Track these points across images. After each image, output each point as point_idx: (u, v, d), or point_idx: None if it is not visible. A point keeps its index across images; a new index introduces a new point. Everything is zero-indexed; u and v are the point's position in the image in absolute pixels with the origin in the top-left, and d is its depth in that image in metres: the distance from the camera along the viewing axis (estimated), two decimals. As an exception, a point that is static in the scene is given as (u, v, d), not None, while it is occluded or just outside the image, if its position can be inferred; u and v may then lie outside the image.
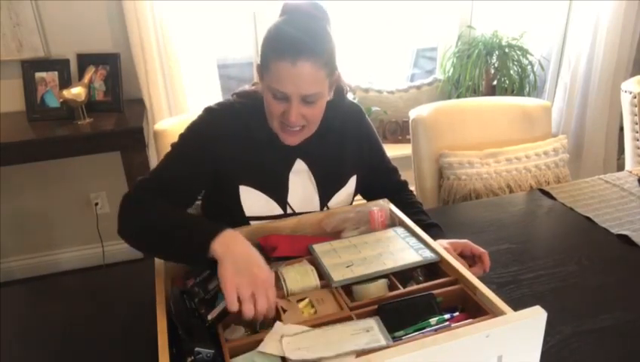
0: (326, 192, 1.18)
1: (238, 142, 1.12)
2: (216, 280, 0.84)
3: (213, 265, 0.84)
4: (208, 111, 1.14)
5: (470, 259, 1.07)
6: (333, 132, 1.18)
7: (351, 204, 1.24)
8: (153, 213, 0.97)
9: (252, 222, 1.14)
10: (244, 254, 0.85)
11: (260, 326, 0.84)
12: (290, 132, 1.08)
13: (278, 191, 1.15)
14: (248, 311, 0.79)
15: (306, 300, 0.88)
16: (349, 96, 1.28)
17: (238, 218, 1.13)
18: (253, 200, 1.13)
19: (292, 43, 0.98)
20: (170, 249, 0.93)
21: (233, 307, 0.78)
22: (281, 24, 1.02)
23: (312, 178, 1.17)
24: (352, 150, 1.21)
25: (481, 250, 1.06)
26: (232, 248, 0.84)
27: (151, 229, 0.95)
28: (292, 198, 1.16)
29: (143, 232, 0.96)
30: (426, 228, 1.08)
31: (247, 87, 1.18)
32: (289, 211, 1.16)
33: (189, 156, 1.10)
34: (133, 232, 0.98)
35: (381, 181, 1.29)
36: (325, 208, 1.19)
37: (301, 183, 1.16)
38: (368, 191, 1.29)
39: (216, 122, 1.12)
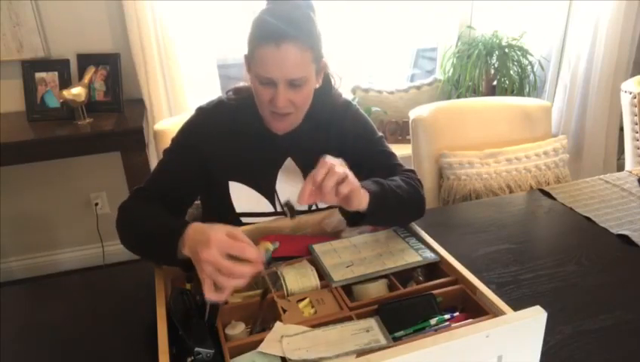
0: None
1: (227, 139, 1.12)
2: None
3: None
4: (198, 110, 1.16)
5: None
6: (322, 128, 1.17)
7: None
8: (135, 224, 0.99)
9: (244, 220, 1.14)
10: (194, 243, 0.80)
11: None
12: (279, 118, 1.07)
13: (267, 187, 1.15)
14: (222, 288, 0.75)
15: (306, 300, 0.88)
16: (350, 97, 1.27)
17: (230, 216, 1.13)
18: (243, 196, 1.13)
19: (276, 27, 0.98)
20: (154, 258, 0.95)
21: (212, 296, 0.76)
22: (263, 13, 1.02)
23: (302, 176, 1.16)
24: (334, 147, 1.15)
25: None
26: (191, 243, 0.82)
27: (136, 240, 0.98)
28: (280, 195, 1.16)
29: (133, 243, 0.98)
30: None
31: (242, 83, 1.19)
32: (279, 208, 1.16)
33: (181, 158, 1.11)
34: (127, 243, 1.00)
35: (370, 165, 1.13)
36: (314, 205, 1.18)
37: (289, 181, 1.16)
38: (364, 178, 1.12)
39: (205, 121, 1.13)
